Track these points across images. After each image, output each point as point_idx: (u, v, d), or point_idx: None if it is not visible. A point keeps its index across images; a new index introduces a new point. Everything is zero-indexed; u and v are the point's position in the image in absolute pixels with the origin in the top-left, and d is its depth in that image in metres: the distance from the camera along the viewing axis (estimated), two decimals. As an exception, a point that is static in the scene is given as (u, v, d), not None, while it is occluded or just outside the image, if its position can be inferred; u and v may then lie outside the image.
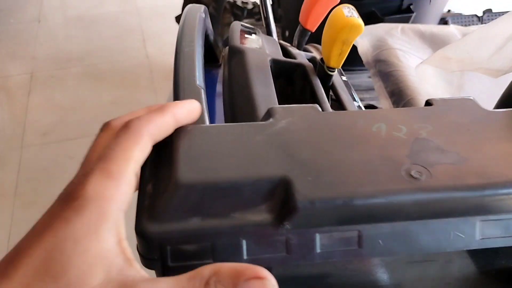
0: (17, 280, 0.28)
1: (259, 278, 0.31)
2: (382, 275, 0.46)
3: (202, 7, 0.93)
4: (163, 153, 0.41)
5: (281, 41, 1.04)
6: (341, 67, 0.78)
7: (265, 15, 1.23)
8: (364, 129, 0.44)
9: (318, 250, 0.38)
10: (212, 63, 1.09)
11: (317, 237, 0.37)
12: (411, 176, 0.39)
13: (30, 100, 3.29)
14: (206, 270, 0.32)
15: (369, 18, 1.62)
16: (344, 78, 0.94)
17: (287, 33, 1.98)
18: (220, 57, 1.13)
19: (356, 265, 0.46)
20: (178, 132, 0.42)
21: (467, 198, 0.38)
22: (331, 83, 0.83)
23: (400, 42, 1.19)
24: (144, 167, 0.39)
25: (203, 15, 0.90)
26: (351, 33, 0.70)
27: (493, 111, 0.48)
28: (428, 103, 0.49)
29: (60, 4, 4.40)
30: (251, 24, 1.20)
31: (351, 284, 0.46)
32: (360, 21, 0.67)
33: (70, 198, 0.32)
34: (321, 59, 0.83)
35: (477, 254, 0.45)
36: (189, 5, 0.93)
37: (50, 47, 3.82)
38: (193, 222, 0.37)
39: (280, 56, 0.92)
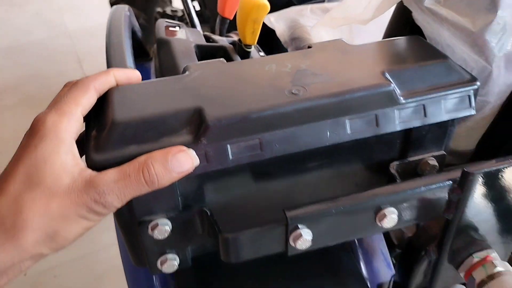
0: (11, 192, 0.40)
1: (183, 151, 0.44)
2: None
3: (126, 7, 1.04)
4: (104, 102, 0.52)
5: (205, 32, 1.16)
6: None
7: (187, 11, 1.34)
8: (258, 69, 0.57)
9: (230, 157, 0.49)
10: (144, 58, 1.20)
11: (228, 147, 0.49)
12: (292, 93, 0.52)
13: (-33, 136, 3.24)
14: (142, 156, 0.44)
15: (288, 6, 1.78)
16: (261, 53, 1.07)
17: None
18: (151, 53, 1.24)
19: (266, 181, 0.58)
20: (116, 87, 0.54)
21: (335, 103, 0.51)
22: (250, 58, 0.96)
23: (310, 20, 1.35)
24: (89, 114, 0.49)
25: (128, 13, 1.00)
26: (259, 13, 0.84)
27: (357, 45, 0.62)
28: (308, 46, 0.63)
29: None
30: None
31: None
32: (265, 1, 0.81)
33: (35, 131, 0.43)
34: (239, 39, 0.96)
35: (356, 150, 0.58)
36: (115, 6, 1.03)
37: (-20, 80, 3.75)
38: (130, 149, 0.48)
39: (203, 42, 1.04)
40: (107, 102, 0.51)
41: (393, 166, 0.59)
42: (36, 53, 3.94)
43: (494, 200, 0.56)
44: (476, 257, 0.61)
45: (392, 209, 0.53)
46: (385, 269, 0.74)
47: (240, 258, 0.53)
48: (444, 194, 0.55)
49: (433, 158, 0.59)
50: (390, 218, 0.53)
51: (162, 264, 0.56)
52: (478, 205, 0.55)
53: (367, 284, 0.68)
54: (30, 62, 3.85)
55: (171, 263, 0.56)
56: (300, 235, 0.51)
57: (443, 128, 0.57)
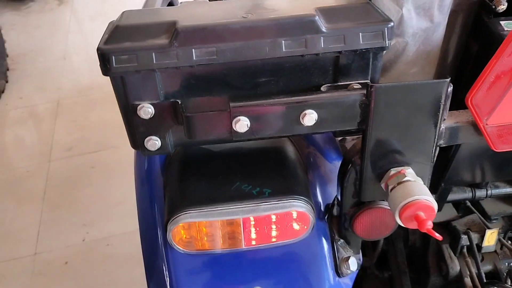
0: None
1: None
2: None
3: None
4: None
5: None
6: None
7: None
8: (227, 5, 0.78)
9: (194, 58, 0.70)
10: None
11: (193, 50, 0.70)
12: (243, 16, 0.72)
13: (56, 123, 3.71)
14: None
15: None
16: None
17: None
18: None
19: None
20: (128, 11, 0.77)
21: (273, 25, 0.70)
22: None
23: None
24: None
25: None
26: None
27: None
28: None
29: (82, 42, 4.92)
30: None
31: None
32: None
33: None
34: None
35: (297, 73, 0.76)
36: None
37: (73, 79, 4.28)
38: (125, 44, 0.70)
39: None
40: (119, 16, 0.75)
41: (324, 88, 0.76)
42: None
43: (404, 120, 0.71)
44: (394, 170, 0.76)
45: (312, 111, 0.70)
46: (333, 191, 0.89)
47: (197, 136, 0.73)
48: (356, 106, 0.71)
49: (358, 85, 0.75)
50: (310, 118, 0.71)
51: (147, 143, 0.77)
52: (388, 120, 0.71)
53: (311, 198, 0.83)
54: (116, 67, 4.32)
55: (153, 143, 0.77)
56: (239, 120, 0.70)
57: (366, 60, 0.74)
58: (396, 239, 1.23)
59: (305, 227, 0.80)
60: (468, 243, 1.08)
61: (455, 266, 1.13)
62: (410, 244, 1.26)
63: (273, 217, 0.79)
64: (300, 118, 0.71)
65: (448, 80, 0.68)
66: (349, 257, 0.87)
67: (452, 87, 0.70)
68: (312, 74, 0.76)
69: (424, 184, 0.78)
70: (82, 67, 4.55)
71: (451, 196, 1.09)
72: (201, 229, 0.78)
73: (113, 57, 0.69)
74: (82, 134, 3.59)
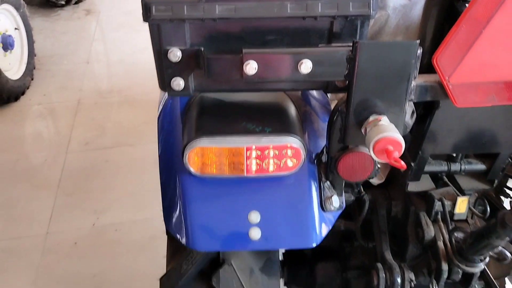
0: None
1: None
2: None
3: None
4: None
5: None
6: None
7: None
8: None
9: (217, 12, 0.88)
10: None
11: (216, 6, 0.88)
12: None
13: (76, 120, 3.93)
14: None
15: None
16: None
17: None
18: None
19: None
20: None
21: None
22: None
23: None
24: None
25: None
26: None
27: None
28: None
29: (105, 50, 5.19)
30: None
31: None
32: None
33: None
34: None
35: (299, 34, 0.93)
36: None
37: (95, 82, 4.53)
38: None
39: None
40: None
41: (321, 46, 0.94)
42: (141, 68, 4.65)
43: (382, 74, 0.88)
44: (372, 117, 0.93)
45: (308, 60, 0.88)
46: (322, 143, 1.06)
47: (214, 76, 0.90)
48: (343, 60, 0.88)
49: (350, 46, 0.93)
50: (306, 66, 0.88)
51: (173, 83, 0.95)
52: (370, 74, 0.88)
53: (304, 139, 1.00)
54: (135, 74, 4.56)
55: (178, 83, 0.95)
56: (249, 63, 0.87)
57: (355, 26, 0.92)
58: (380, 208, 1.38)
59: (297, 162, 0.96)
60: (442, 210, 1.23)
61: (430, 231, 1.28)
62: (392, 216, 1.41)
63: (271, 153, 0.96)
64: (298, 66, 0.89)
65: (417, 42, 0.85)
66: (332, 196, 1.02)
67: (421, 50, 0.87)
68: (311, 36, 0.94)
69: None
70: (104, 72, 4.80)
71: (429, 167, 1.24)
72: (212, 157, 0.95)
73: (153, 7, 0.88)
74: (99, 131, 3.79)
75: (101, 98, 4.25)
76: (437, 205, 1.23)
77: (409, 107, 1.07)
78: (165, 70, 0.95)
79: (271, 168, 0.98)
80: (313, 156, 1.05)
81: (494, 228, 0.99)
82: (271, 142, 0.94)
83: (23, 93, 4.17)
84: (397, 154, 0.85)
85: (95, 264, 2.67)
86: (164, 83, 0.97)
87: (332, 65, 0.89)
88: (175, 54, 0.92)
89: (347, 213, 1.47)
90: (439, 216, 1.26)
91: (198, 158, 0.95)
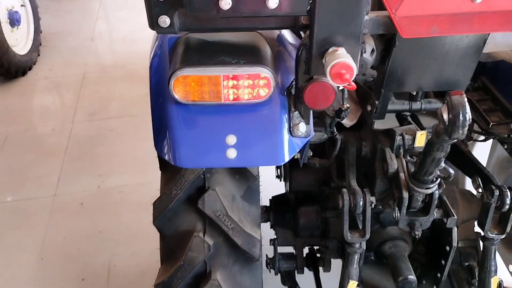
0: None
1: None
2: None
3: None
4: None
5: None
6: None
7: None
8: None
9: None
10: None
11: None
12: None
13: (81, 93, 4.10)
14: None
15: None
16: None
17: None
18: None
19: None
20: None
21: None
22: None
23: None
24: None
25: None
26: None
27: None
28: None
29: (108, 28, 5.34)
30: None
31: None
32: None
33: None
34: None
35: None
36: None
37: (99, 58, 4.69)
38: None
39: None
40: None
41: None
42: (143, 45, 4.79)
43: (339, 8, 1.02)
44: (331, 48, 1.07)
45: (274, -3, 1.03)
46: (292, 75, 1.20)
47: (194, 8, 1.05)
48: (305, -4, 1.03)
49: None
50: (273, 0, 1.03)
51: (160, 20, 1.09)
52: (329, 8, 1.02)
53: (274, 71, 1.15)
54: (137, 50, 4.70)
55: (164, 20, 1.09)
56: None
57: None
58: (350, 146, 1.54)
59: (268, 91, 1.12)
60: (402, 144, 1.37)
61: (393, 164, 1.43)
62: (363, 155, 1.56)
63: (246, 82, 1.11)
64: (266, 1, 1.03)
65: (368, -20, 1.00)
66: (299, 123, 1.18)
67: (372, -13, 1.02)
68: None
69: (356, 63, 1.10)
70: (107, 49, 4.97)
71: (392, 106, 1.39)
72: (194, 85, 1.10)
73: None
74: (103, 103, 3.96)
75: (105, 73, 4.41)
76: (398, 140, 1.38)
77: (368, 45, 1.22)
78: (152, 9, 1.09)
79: (245, 97, 1.13)
80: (284, 88, 1.20)
81: (431, 142, 1.15)
82: (244, 71, 1.09)
83: (30, 68, 4.34)
84: (348, 77, 1.00)
85: (101, 222, 2.85)
86: (153, 21, 1.11)
87: (296, 1, 1.04)
88: (161, -6, 1.07)
89: (321, 152, 1.63)
90: (401, 151, 1.41)
91: (182, 87, 1.10)
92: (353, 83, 1.00)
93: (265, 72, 1.10)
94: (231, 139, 1.13)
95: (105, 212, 2.92)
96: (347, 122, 1.52)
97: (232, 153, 1.13)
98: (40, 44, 4.61)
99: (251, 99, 1.14)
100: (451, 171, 1.25)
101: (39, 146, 3.51)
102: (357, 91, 1.55)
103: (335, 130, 1.51)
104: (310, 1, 1.03)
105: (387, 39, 1.24)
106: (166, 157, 1.16)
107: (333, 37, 1.07)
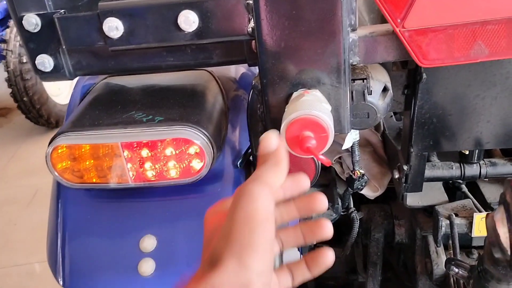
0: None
1: None
2: None
3: None
4: None
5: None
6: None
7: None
8: None
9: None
10: None
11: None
12: None
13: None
14: None
15: None
16: None
17: None
18: None
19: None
20: None
21: None
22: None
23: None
24: None
25: None
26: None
27: None
28: None
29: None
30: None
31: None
32: None
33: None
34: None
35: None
36: None
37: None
38: None
39: None
40: None
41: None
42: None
43: (297, 22, 0.58)
44: (296, 93, 0.62)
45: (190, 11, 0.60)
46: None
47: (70, 42, 0.66)
48: (241, 6, 0.60)
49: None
50: (187, 20, 0.61)
51: (37, 62, 0.71)
52: (283, 25, 0.58)
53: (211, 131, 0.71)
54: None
55: (43, 61, 0.71)
56: (109, 22, 0.62)
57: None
58: (375, 229, 1.03)
59: (202, 162, 0.68)
60: (450, 232, 0.86)
61: (440, 262, 0.91)
62: (398, 241, 1.05)
63: (168, 151, 0.68)
64: (178, 21, 0.61)
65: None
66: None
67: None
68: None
69: (343, 115, 0.63)
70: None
71: (432, 172, 0.89)
72: (87, 159, 0.70)
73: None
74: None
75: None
76: (444, 225, 0.87)
77: (377, 82, 0.74)
78: (26, 46, 0.72)
79: (172, 173, 0.70)
80: (240, 155, 0.76)
81: (483, 268, 0.62)
82: (155, 135, 0.66)
83: (72, 117, 4.23)
84: (313, 144, 0.54)
85: None
86: (34, 64, 0.74)
87: (227, 17, 0.61)
88: (30, 22, 0.69)
89: (336, 236, 1.13)
90: (452, 241, 0.89)
91: (66, 162, 0.70)
92: (322, 157, 0.54)
93: (187, 134, 0.66)
94: (148, 243, 0.70)
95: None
96: (369, 193, 1.03)
97: (147, 267, 0.69)
98: (84, 93, 4.51)
99: (175, 178, 0.70)
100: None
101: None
102: (386, 147, 1.06)
103: (351, 205, 1.03)
104: (250, 15, 0.60)
105: (409, 69, 0.76)
106: (60, 282, 0.74)
107: (298, 72, 0.62)
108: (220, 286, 0.41)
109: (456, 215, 0.88)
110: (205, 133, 0.68)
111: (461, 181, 0.95)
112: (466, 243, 0.92)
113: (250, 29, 0.61)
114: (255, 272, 0.42)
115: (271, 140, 0.49)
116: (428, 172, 0.88)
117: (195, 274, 0.44)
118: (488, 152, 0.94)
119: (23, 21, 0.69)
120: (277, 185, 0.47)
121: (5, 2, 0.75)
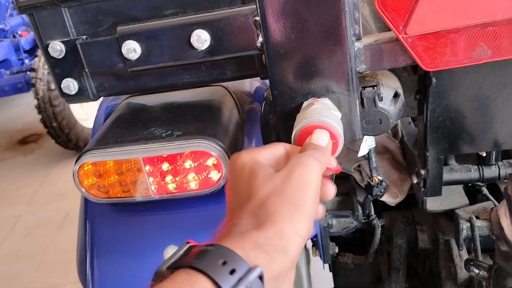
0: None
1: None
2: None
3: None
4: None
5: None
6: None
7: None
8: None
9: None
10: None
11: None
12: None
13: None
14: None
15: None
16: None
17: None
18: None
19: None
20: None
21: None
22: None
23: None
24: None
25: None
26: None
27: None
28: None
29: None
30: None
31: None
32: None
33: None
34: None
35: None
36: None
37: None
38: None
39: None
40: None
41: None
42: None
43: (304, 34, 0.61)
44: (306, 103, 0.65)
45: (202, 30, 0.64)
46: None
47: (92, 66, 0.70)
48: (249, 23, 0.63)
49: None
50: (200, 39, 0.64)
51: (63, 86, 0.76)
52: (290, 37, 0.61)
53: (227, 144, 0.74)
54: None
55: (68, 84, 0.76)
56: (128, 45, 0.66)
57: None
58: (397, 235, 1.03)
59: (220, 174, 0.70)
60: (471, 234, 0.86)
61: (464, 266, 0.91)
62: (420, 248, 1.04)
63: (187, 164, 0.71)
64: (191, 40, 0.65)
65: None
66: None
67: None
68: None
69: (353, 122, 0.65)
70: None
71: (450, 175, 0.89)
72: (111, 175, 0.73)
73: (16, -7, 0.71)
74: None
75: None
76: (465, 228, 0.87)
77: (387, 88, 0.75)
78: (52, 71, 0.77)
79: (191, 185, 0.73)
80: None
81: (499, 266, 0.62)
82: (174, 149, 0.69)
83: (100, 140, 4.33)
84: (324, 149, 0.56)
85: None
86: (60, 87, 0.78)
87: (237, 33, 0.64)
88: (55, 48, 0.74)
89: (358, 244, 1.14)
90: (473, 244, 0.89)
91: (92, 178, 0.74)
92: (334, 163, 0.56)
93: (204, 147, 0.70)
94: (171, 253, 0.72)
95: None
96: (389, 199, 1.04)
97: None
98: (111, 116, 4.63)
99: (195, 189, 0.73)
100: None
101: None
102: (405, 153, 1.07)
103: (372, 212, 1.03)
104: (259, 31, 0.63)
105: (419, 74, 0.78)
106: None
107: (307, 81, 0.64)
108: (265, 246, 0.43)
109: (477, 217, 0.88)
110: (221, 145, 0.70)
111: (481, 184, 0.95)
112: (490, 245, 0.92)
113: (259, 44, 0.64)
114: (301, 236, 0.45)
115: (324, 138, 0.54)
116: (446, 176, 0.89)
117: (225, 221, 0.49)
118: (507, 153, 0.94)
119: (49, 49, 0.74)
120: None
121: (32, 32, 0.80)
